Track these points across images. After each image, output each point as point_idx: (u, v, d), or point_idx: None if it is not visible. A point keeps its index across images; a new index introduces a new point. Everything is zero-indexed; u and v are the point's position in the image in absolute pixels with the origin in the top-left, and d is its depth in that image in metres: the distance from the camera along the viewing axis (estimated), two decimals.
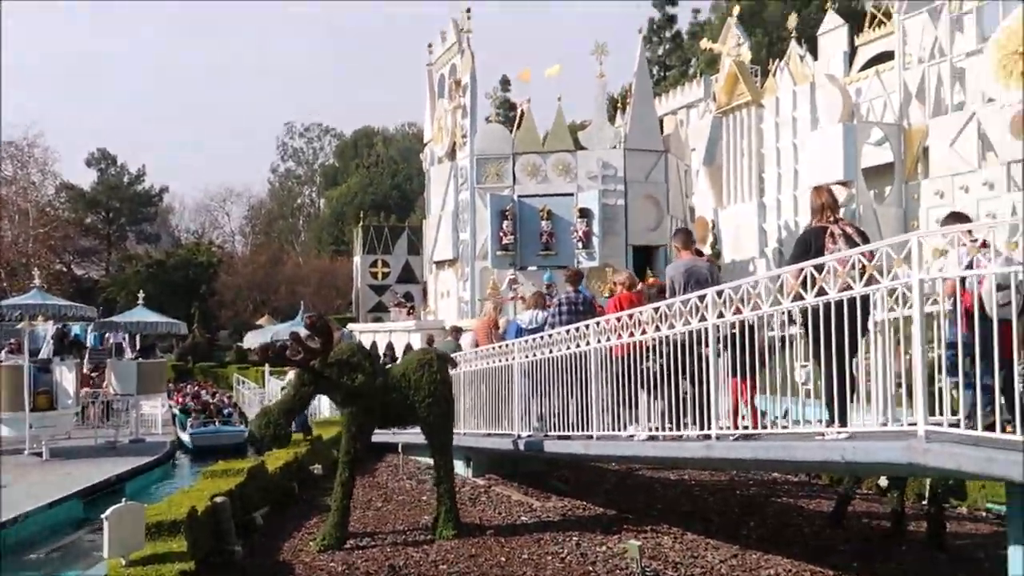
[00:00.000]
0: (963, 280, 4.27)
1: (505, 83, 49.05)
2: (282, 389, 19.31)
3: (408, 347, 20.78)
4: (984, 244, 4.10)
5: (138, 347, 23.81)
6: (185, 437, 20.81)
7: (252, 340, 19.02)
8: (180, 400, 24.81)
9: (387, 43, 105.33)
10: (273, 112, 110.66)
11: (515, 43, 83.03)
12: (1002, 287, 4.23)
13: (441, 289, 23.03)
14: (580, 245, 19.15)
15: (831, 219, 5.51)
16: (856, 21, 26.99)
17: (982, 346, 4.44)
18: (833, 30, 25.61)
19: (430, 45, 25.02)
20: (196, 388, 27.13)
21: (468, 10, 21.76)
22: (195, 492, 8.10)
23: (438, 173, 23.03)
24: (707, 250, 20.76)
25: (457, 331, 15.05)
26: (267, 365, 22.24)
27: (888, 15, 23.43)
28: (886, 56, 22.35)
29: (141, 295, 23.43)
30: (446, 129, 22.60)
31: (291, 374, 17.57)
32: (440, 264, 23.15)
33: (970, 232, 4.19)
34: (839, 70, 23.77)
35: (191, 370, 35.80)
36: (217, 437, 20.04)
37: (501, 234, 19.70)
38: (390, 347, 21.85)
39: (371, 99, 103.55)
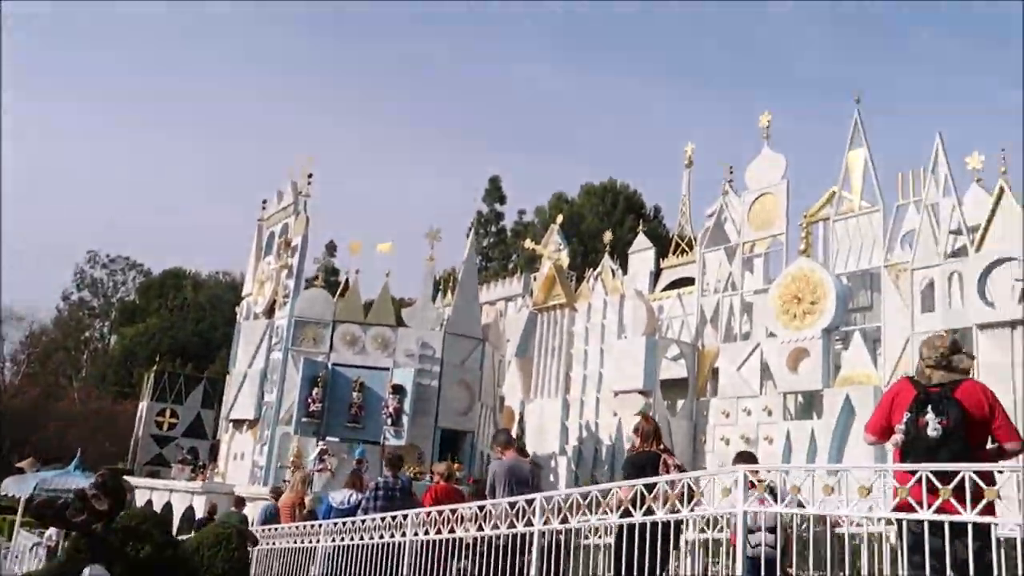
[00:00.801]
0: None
1: (331, 248, 49.43)
2: (34, 546, 17.03)
3: (189, 510, 19.21)
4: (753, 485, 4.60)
5: None
6: None
7: (11, 487, 16.76)
8: None
9: (209, 185, 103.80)
10: (77, 237, 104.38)
11: (348, 210, 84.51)
12: (768, 529, 4.70)
13: (235, 450, 21.74)
14: (389, 421, 18.92)
15: (660, 447, 5.95)
16: (662, 246, 29.92)
17: None
18: (642, 250, 28.21)
19: (264, 201, 25.01)
20: None
21: (310, 175, 22.14)
22: None
23: (251, 329, 22.36)
24: None
25: (241, 502, 14.14)
26: (19, 515, 19.73)
27: (691, 245, 26.18)
28: (687, 280, 24.75)
29: None
30: (269, 286, 22.25)
31: (51, 529, 15.62)
32: (238, 424, 21.99)
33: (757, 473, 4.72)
34: (645, 286, 25.97)
35: None
36: None
37: (310, 400, 19.15)
38: (167, 508, 20.09)
39: (187, 240, 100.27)
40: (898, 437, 4.45)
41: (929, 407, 4.40)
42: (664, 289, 25.82)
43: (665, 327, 23.25)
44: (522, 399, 24.09)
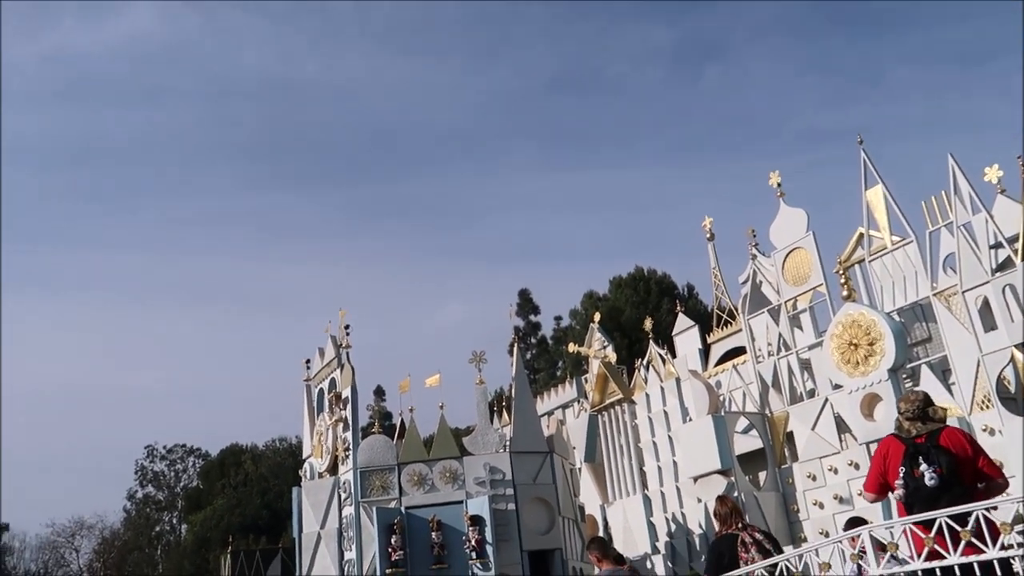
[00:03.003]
0: None
1: (380, 393, 49.65)
2: None
3: None
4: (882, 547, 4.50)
5: None
6: None
7: None
8: None
9: (255, 359, 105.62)
10: (134, 435, 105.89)
11: (387, 353, 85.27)
12: None
13: None
14: (474, 555, 18.50)
15: (739, 526, 5.82)
16: (704, 321, 29.67)
17: None
18: (686, 330, 27.98)
19: (308, 361, 25.30)
20: None
21: (347, 327, 22.50)
22: None
23: (316, 488, 22.18)
24: None
25: None
26: None
27: (732, 315, 25.96)
28: (738, 351, 24.40)
29: None
30: (327, 443, 22.27)
31: None
32: None
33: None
34: (696, 365, 25.61)
35: None
36: None
37: (390, 550, 18.82)
38: None
39: (238, 416, 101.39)
40: (899, 492, 4.73)
41: (920, 458, 4.69)
42: (717, 364, 25.47)
43: (728, 402, 22.81)
44: (601, 504, 23.52)
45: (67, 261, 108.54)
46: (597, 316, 28.03)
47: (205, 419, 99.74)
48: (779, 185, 21.00)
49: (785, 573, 4.75)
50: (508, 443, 20.21)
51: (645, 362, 26.26)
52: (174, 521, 65.01)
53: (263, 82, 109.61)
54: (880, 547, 4.50)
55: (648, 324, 26.94)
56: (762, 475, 20.14)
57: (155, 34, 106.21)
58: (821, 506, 18.04)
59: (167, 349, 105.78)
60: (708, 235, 28.43)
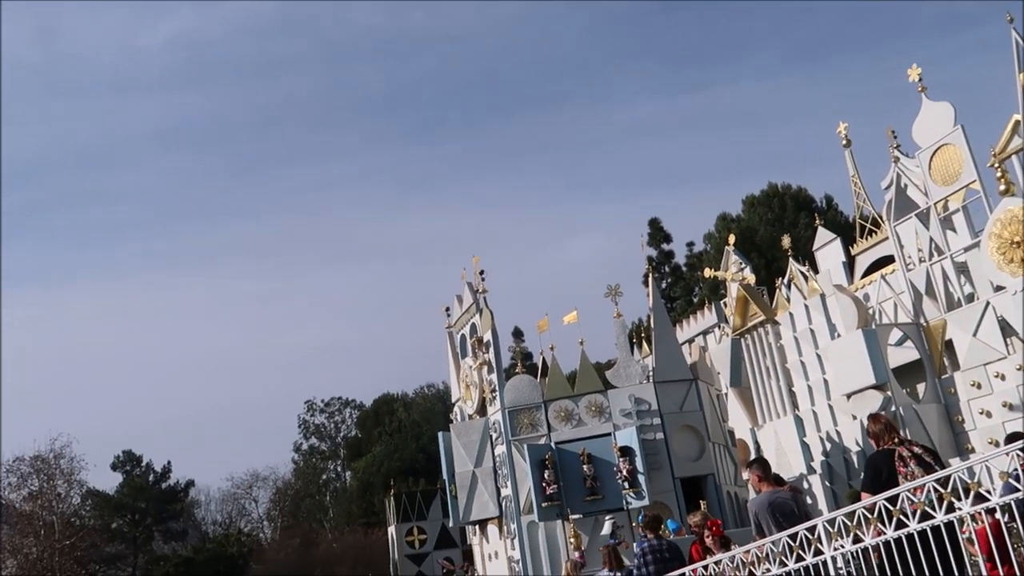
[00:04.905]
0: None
1: (518, 334, 50.45)
2: None
3: None
4: None
5: None
6: None
7: None
8: None
9: (400, 310, 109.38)
10: (294, 391, 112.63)
11: (523, 293, 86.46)
12: None
13: (488, 550, 22.19)
14: (626, 485, 18.75)
15: (896, 441, 5.58)
16: (846, 233, 28.32)
17: None
18: (827, 244, 26.83)
19: (447, 309, 26.02)
20: None
21: (482, 272, 22.89)
22: None
23: (466, 429, 22.91)
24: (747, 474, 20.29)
25: None
26: None
27: (877, 223, 24.65)
28: (886, 260, 23.21)
29: None
30: (474, 386, 22.93)
31: None
32: (483, 524, 22.48)
33: None
34: (841, 279, 24.54)
35: None
36: None
37: (544, 484, 19.34)
38: None
39: (387, 366, 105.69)
40: None
41: None
42: (863, 276, 24.36)
43: (878, 314, 21.81)
44: (751, 427, 23.19)
45: (217, 234, 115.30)
46: (732, 238, 27.22)
47: (357, 372, 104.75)
48: (920, 79, 19.58)
49: (958, 485, 4.52)
50: (651, 373, 20.20)
51: (786, 280, 25.40)
52: (338, 469, 69.02)
53: (375, 38, 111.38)
54: None
55: (786, 241, 25.95)
56: (920, 387, 19.25)
57: (267, 7, 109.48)
58: (989, 415, 17.11)
59: (317, 308, 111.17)
60: (844, 141, 26.94)
